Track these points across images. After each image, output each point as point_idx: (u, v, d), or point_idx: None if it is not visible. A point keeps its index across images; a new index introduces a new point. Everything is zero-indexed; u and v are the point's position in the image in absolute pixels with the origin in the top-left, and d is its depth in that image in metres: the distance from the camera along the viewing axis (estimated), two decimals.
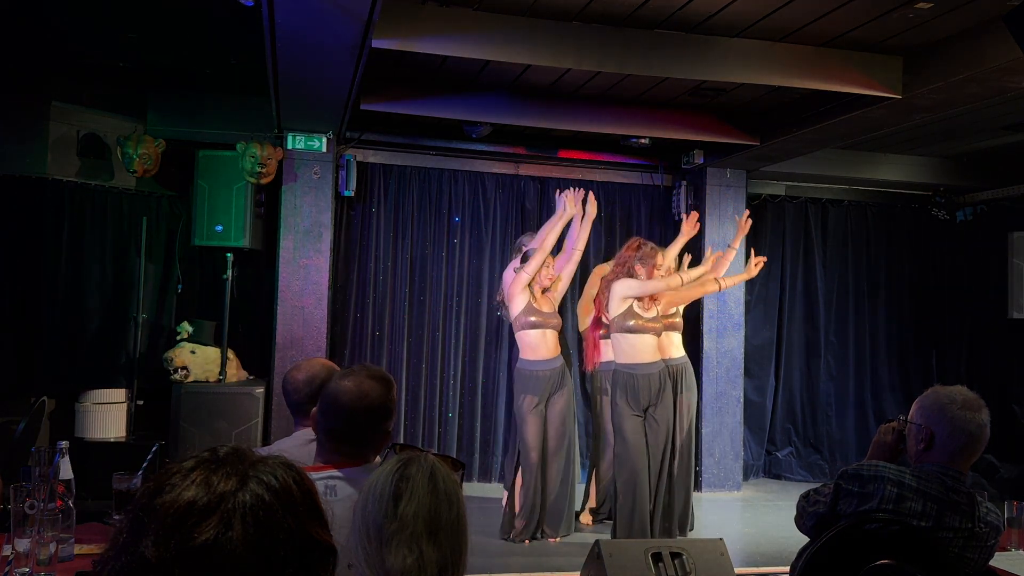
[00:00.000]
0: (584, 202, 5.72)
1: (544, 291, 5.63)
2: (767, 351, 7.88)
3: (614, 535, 5.36)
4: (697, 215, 6.05)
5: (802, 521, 2.62)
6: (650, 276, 5.46)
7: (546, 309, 5.58)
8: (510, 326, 6.31)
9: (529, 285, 5.55)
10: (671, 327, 5.80)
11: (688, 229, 5.89)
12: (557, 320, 5.63)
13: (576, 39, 4.90)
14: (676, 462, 5.67)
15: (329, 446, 2.33)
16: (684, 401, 5.71)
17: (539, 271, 5.56)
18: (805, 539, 2.64)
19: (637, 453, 5.30)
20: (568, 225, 5.72)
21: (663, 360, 5.57)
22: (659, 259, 5.53)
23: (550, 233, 5.59)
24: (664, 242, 7.55)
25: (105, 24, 5.14)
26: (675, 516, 5.63)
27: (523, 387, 5.51)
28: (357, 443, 2.32)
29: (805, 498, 2.61)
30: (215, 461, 1.08)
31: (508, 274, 5.71)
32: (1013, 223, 7.52)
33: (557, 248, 5.81)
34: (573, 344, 6.71)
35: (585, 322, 6.14)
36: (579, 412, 6.02)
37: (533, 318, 5.49)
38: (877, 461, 2.49)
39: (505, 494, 5.92)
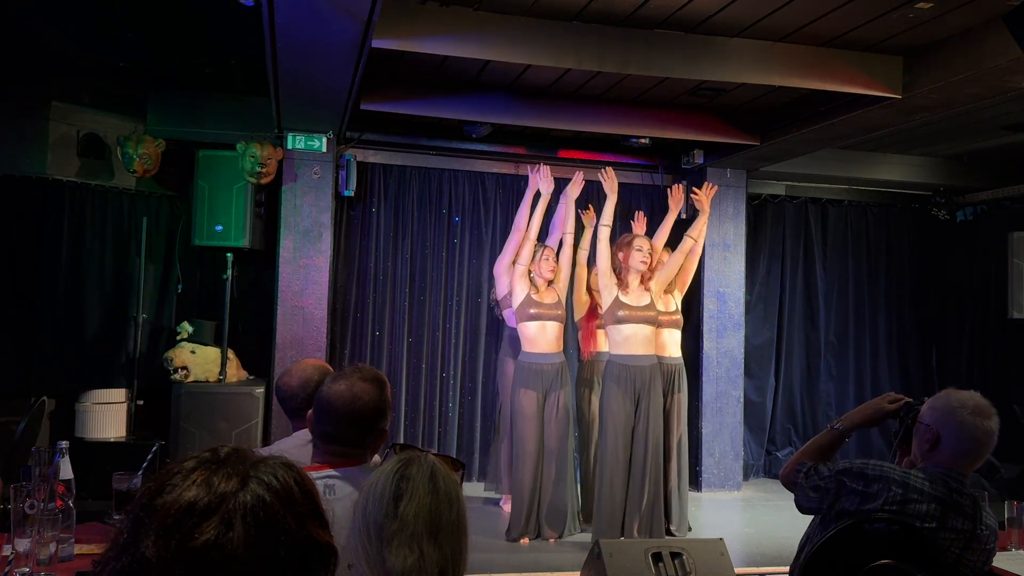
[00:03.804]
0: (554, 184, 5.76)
1: (549, 283, 5.64)
2: (767, 351, 7.88)
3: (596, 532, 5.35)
4: (681, 188, 6.05)
5: (796, 492, 2.56)
6: (626, 259, 5.48)
7: (548, 300, 5.56)
8: (501, 324, 6.34)
9: (530, 276, 5.59)
10: (671, 324, 5.82)
11: (674, 205, 5.93)
12: (559, 312, 5.57)
13: (576, 39, 4.90)
14: (674, 463, 5.68)
15: (325, 448, 2.32)
16: (678, 400, 5.72)
17: (539, 263, 5.61)
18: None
19: (616, 454, 5.26)
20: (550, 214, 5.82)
21: (658, 357, 5.58)
22: (638, 242, 5.53)
23: (520, 215, 5.69)
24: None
25: (105, 24, 5.14)
26: (675, 518, 5.65)
27: (520, 380, 5.48)
28: (353, 445, 2.32)
29: (807, 474, 2.54)
30: (216, 461, 1.09)
31: (498, 265, 5.83)
32: (1013, 223, 7.52)
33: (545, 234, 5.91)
34: (571, 336, 6.69)
35: (581, 311, 6.05)
36: (573, 408, 5.99)
37: (532, 310, 5.50)
38: (882, 462, 2.48)
39: (507, 497, 5.93)
